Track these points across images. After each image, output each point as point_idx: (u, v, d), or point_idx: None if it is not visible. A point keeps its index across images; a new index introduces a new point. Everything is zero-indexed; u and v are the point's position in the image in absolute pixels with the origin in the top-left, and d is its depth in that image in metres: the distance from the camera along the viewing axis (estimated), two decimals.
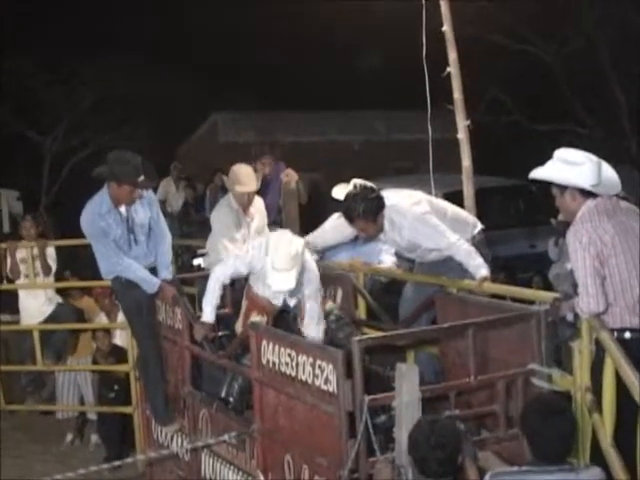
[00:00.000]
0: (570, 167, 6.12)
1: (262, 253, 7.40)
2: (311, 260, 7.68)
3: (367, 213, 7.78)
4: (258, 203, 9.71)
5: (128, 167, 8.14)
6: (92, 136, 30.52)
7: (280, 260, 7.13)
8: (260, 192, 9.82)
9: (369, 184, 8.46)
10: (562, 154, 6.22)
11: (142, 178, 8.25)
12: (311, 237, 9.06)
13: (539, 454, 5.31)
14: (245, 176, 9.48)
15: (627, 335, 5.85)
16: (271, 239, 7.47)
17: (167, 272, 8.64)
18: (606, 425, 5.42)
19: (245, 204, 9.54)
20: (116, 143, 26.71)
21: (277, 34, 31.89)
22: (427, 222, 7.80)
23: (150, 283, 8.36)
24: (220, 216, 9.57)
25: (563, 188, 6.15)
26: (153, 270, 8.52)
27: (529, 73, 29.20)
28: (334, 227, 8.79)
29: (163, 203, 22.69)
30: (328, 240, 8.98)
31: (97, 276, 9.50)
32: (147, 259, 8.55)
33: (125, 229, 8.36)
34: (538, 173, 6.30)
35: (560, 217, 10.21)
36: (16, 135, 31.40)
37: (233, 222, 9.47)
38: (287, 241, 7.36)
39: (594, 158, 6.15)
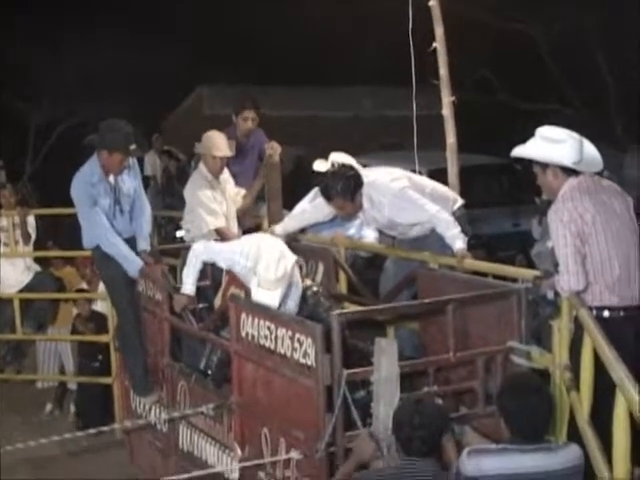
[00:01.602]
0: (551, 145, 6.11)
1: (247, 262, 7.38)
2: (297, 275, 7.63)
3: (345, 191, 7.81)
4: (225, 172, 9.69)
5: (120, 135, 8.21)
6: (76, 107, 30.44)
7: (268, 280, 7.12)
8: (234, 158, 9.78)
9: (347, 162, 8.47)
10: (543, 132, 6.21)
11: (134, 147, 8.32)
12: (290, 218, 9.06)
13: (516, 433, 5.33)
14: (219, 142, 9.44)
15: (606, 314, 5.87)
16: (263, 253, 7.39)
17: (146, 243, 8.66)
18: (583, 403, 5.42)
19: (218, 170, 9.51)
20: (100, 114, 26.68)
21: (263, 9, 31.81)
22: (406, 197, 7.81)
23: (132, 263, 8.33)
24: (196, 190, 9.51)
25: (544, 166, 6.15)
26: (132, 240, 8.50)
27: (516, 52, 29.22)
28: (313, 206, 8.78)
29: (152, 178, 22.83)
30: (307, 219, 8.97)
31: (78, 246, 9.50)
32: (129, 230, 8.54)
33: (112, 199, 8.38)
34: (520, 151, 6.30)
35: (544, 196, 10.25)
36: (0, 105, 31.30)
37: (210, 195, 9.43)
38: (277, 259, 7.31)
39: (575, 135, 6.15)
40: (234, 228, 9.62)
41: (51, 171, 24.92)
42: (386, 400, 5.77)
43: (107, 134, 8.18)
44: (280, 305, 7.22)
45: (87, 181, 8.27)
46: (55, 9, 30.04)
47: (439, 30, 10.36)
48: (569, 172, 6.08)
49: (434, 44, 10.34)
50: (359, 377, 5.97)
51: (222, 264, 7.68)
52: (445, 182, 9.76)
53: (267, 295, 7.07)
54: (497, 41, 28.07)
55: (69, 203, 8.62)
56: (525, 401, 5.31)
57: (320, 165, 8.86)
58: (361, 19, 29.72)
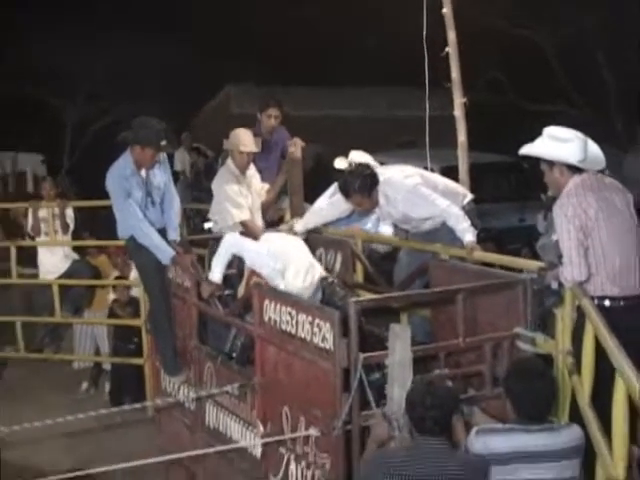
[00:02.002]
0: (558, 144, 6.13)
1: (276, 264, 7.38)
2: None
3: (362, 188, 7.86)
4: (252, 168, 9.71)
5: (152, 132, 8.19)
6: (110, 105, 30.49)
7: (295, 287, 7.21)
8: (258, 154, 9.77)
9: (364, 161, 8.49)
10: (551, 131, 6.23)
11: (164, 143, 8.30)
12: (310, 213, 9.06)
13: (522, 414, 5.37)
14: (245, 138, 9.45)
15: (607, 303, 5.89)
16: (293, 259, 7.47)
17: (175, 234, 8.66)
18: (584, 386, 5.43)
19: (244, 165, 9.53)
20: (132, 112, 26.71)
21: (287, 15, 31.81)
22: (419, 193, 7.84)
23: (164, 252, 8.32)
24: (223, 184, 9.53)
25: (551, 164, 6.18)
26: (163, 231, 8.52)
27: (524, 55, 29.21)
28: (331, 203, 8.79)
29: (182, 173, 22.91)
30: (327, 216, 8.97)
31: (112, 236, 9.54)
32: (160, 221, 8.56)
33: (144, 192, 8.38)
34: (528, 149, 6.32)
35: (549, 193, 10.21)
36: (39, 103, 31.40)
37: (236, 189, 9.45)
38: (307, 268, 7.40)
39: (580, 135, 6.17)
40: (258, 221, 9.64)
41: (87, 165, 24.95)
42: (399, 382, 5.77)
43: (140, 130, 8.19)
44: None
45: (121, 175, 8.27)
46: (89, 9, 30.05)
47: (452, 35, 10.36)
48: (574, 170, 6.09)
49: (447, 49, 10.34)
50: (374, 360, 5.99)
51: (247, 262, 7.69)
52: (456, 179, 9.77)
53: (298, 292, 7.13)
54: (506, 45, 28.08)
55: (105, 196, 8.64)
56: (530, 384, 5.36)
57: (340, 162, 8.90)
58: (378, 24, 29.73)
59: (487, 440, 5.34)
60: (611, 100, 28.53)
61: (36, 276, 12.94)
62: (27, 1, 30.20)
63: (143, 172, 8.34)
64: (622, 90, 28.25)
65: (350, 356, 5.85)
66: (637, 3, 26.10)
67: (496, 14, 26.60)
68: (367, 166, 8.09)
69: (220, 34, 33.26)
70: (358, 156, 9.23)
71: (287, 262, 7.34)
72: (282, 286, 7.22)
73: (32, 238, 12.86)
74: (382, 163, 8.77)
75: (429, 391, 5.37)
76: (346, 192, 7.99)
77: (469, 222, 7.67)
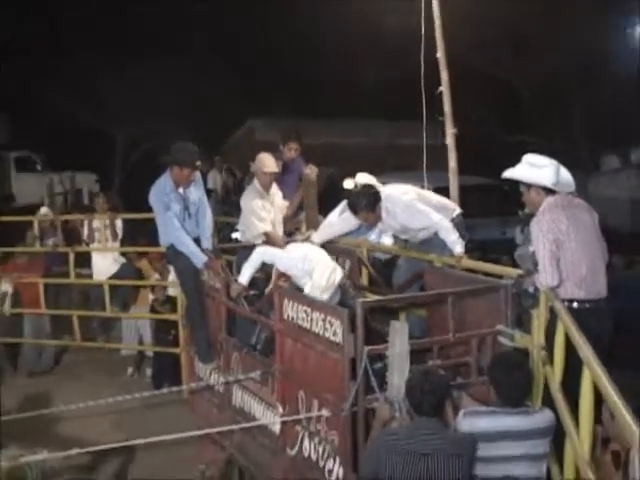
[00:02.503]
0: (535, 169, 6.19)
1: (305, 265, 7.40)
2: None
3: (368, 206, 7.84)
4: (275, 188, 9.70)
5: (188, 154, 8.26)
6: (153, 134, 30.59)
7: (320, 285, 7.22)
8: (280, 176, 9.79)
9: (369, 182, 8.52)
10: (529, 158, 6.27)
11: (199, 163, 8.41)
12: (324, 227, 9.04)
13: (503, 399, 5.40)
14: (269, 161, 9.48)
15: (575, 305, 5.93)
16: (320, 262, 7.50)
17: (207, 242, 8.66)
18: (555, 375, 5.46)
19: (268, 184, 9.52)
20: (171, 139, 26.86)
21: (303, 58, 31.95)
22: (415, 207, 7.85)
23: (198, 258, 8.33)
24: (249, 200, 9.53)
25: (529, 186, 6.23)
26: (197, 240, 8.54)
27: (505, 95, 29.46)
28: (342, 220, 8.75)
29: (215, 191, 22.96)
30: (338, 230, 8.94)
31: (153, 243, 9.59)
32: (195, 231, 8.58)
33: (182, 206, 8.41)
34: (509, 173, 6.35)
35: (526, 210, 10.16)
36: (93, 131, 31.53)
37: (260, 204, 9.46)
38: (331, 270, 7.43)
39: (554, 162, 6.24)
40: (280, 232, 9.64)
41: (134, 183, 25.07)
42: (399, 371, 5.78)
43: (178, 153, 8.24)
44: None
45: (161, 191, 8.30)
46: (134, 44, 30.11)
47: (444, 76, 10.37)
48: (548, 191, 6.14)
49: (440, 87, 10.36)
50: (377, 352, 5.99)
51: (279, 266, 7.69)
52: (447, 197, 9.76)
53: (318, 295, 7.14)
54: (490, 86, 28.29)
55: (148, 209, 8.67)
56: (510, 373, 5.40)
57: (349, 183, 8.90)
58: (382, 66, 29.93)
59: (473, 421, 5.36)
60: (577, 132, 28.68)
61: (90, 277, 13.01)
62: (87, 43, 30.25)
63: (181, 189, 8.37)
64: (586, 124, 28.44)
65: (357, 348, 5.88)
66: (599, 51, 26.25)
67: (482, 60, 26.83)
68: (371, 186, 8.09)
69: (247, 73, 33.40)
70: (364, 178, 9.25)
71: (315, 264, 7.36)
72: (308, 285, 7.25)
73: (87, 245, 12.94)
74: (384, 183, 8.77)
75: (426, 379, 5.39)
76: (354, 209, 7.98)
77: (457, 234, 7.69)
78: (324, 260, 7.54)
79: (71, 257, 12.71)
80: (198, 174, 8.64)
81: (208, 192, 19.21)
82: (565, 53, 27.21)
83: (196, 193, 8.59)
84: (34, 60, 29.72)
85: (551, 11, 25.78)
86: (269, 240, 9.27)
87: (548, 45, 27.36)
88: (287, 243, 8.97)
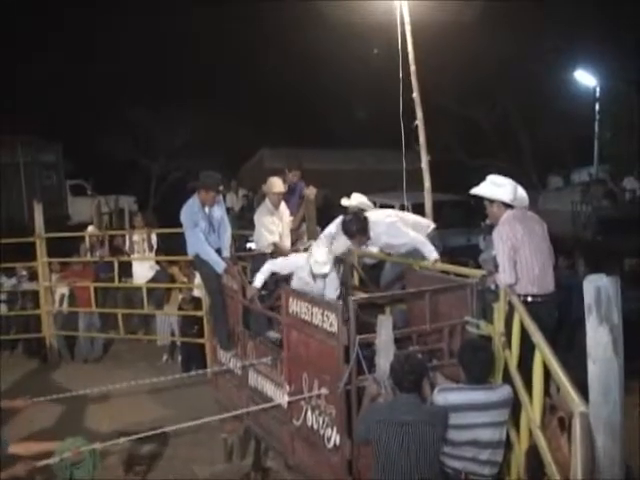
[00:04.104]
0: (497, 187, 6.19)
1: (306, 260, 7.39)
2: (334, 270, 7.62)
3: (360, 230, 7.74)
4: (283, 206, 9.72)
5: (213, 180, 8.32)
6: (182, 162, 30.88)
7: (320, 255, 7.18)
8: (286, 194, 9.84)
9: (362, 201, 8.55)
10: (492, 178, 6.28)
11: (221, 187, 8.51)
12: (323, 239, 8.86)
13: (470, 377, 5.41)
14: (277, 184, 9.53)
15: (529, 299, 5.92)
16: (318, 245, 7.63)
17: (227, 252, 8.65)
18: (513, 357, 5.44)
19: (277, 203, 9.54)
20: (198, 167, 27.13)
21: (303, 98, 32.12)
22: (395, 227, 7.80)
23: (219, 265, 8.36)
24: (261, 216, 9.57)
25: (492, 201, 6.20)
26: (219, 250, 8.55)
27: (468, 127, 29.72)
28: (338, 241, 8.43)
29: (231, 209, 23.06)
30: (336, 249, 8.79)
31: (182, 253, 9.62)
32: (217, 243, 8.59)
33: (208, 223, 8.43)
34: (476, 190, 6.32)
35: (487, 221, 10.16)
36: (133, 162, 31.88)
37: (270, 219, 9.48)
38: (328, 249, 7.45)
39: (512, 182, 6.23)
40: (286, 242, 9.65)
41: (166, 204, 25.20)
42: (385, 356, 5.78)
43: (205, 179, 8.28)
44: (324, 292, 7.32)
45: (191, 210, 8.34)
46: (170, 92, 30.37)
47: (419, 112, 10.42)
48: (507, 206, 6.14)
49: (416, 122, 10.40)
50: (366, 340, 5.98)
51: (285, 271, 7.71)
52: (423, 212, 9.79)
53: (320, 266, 7.14)
54: (456, 121, 28.49)
55: (178, 225, 8.69)
56: (476, 356, 5.42)
57: (345, 201, 8.97)
58: (368, 103, 30.13)
59: (446, 395, 5.36)
60: (528, 158, 29.05)
61: (131, 282, 12.98)
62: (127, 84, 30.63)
63: (207, 209, 8.39)
64: (535, 151, 28.74)
65: (349, 337, 5.88)
66: (545, 92, 26.41)
67: (449, 99, 27.04)
68: (361, 213, 8.08)
69: (257, 112, 33.56)
70: (357, 197, 9.27)
71: (313, 247, 7.50)
72: (312, 261, 7.22)
73: (128, 255, 12.93)
74: (373, 201, 8.82)
75: (407, 361, 5.39)
76: (351, 233, 7.84)
77: (432, 245, 7.68)
78: (315, 247, 7.53)
79: (116, 265, 12.71)
80: (220, 197, 8.66)
81: (227, 210, 19.24)
82: (517, 93, 27.46)
83: (219, 212, 8.59)
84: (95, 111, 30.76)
85: (504, 59, 25.96)
86: (276, 249, 9.29)
87: (502, 87, 27.61)
88: (292, 251, 9.01)
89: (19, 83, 30.59)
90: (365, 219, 7.85)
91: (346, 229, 7.88)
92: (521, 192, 6.35)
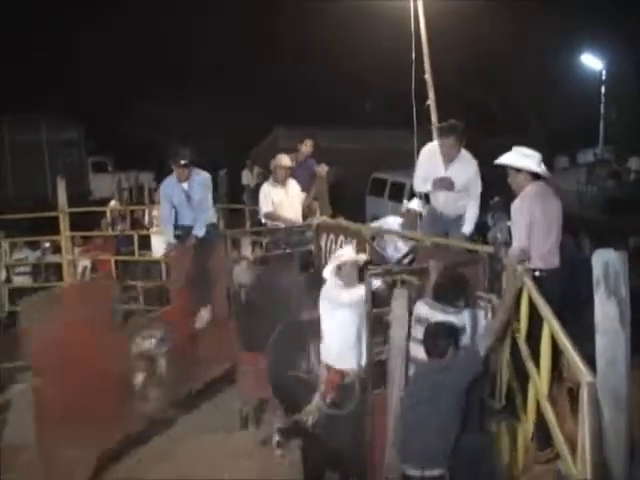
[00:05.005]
0: (525, 157, 6.09)
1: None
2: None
3: (461, 134, 7.44)
4: (293, 182, 9.80)
5: (178, 156, 8.74)
6: (196, 143, 31.14)
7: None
8: (296, 170, 9.95)
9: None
10: (519, 149, 6.18)
11: (183, 162, 8.67)
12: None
13: None
14: (284, 159, 9.69)
15: (537, 273, 5.88)
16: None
17: (199, 230, 8.81)
18: (522, 327, 5.43)
19: (283, 177, 9.62)
20: (214, 147, 27.44)
21: (320, 80, 32.09)
22: (478, 173, 7.58)
23: (167, 236, 8.99)
24: (264, 188, 9.82)
25: (519, 171, 6.09)
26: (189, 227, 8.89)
27: (479, 109, 29.67)
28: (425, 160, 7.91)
29: (247, 186, 23.19)
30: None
31: None
32: (190, 219, 8.87)
33: (184, 197, 8.75)
34: (504, 160, 6.19)
35: (496, 199, 10.11)
36: (150, 142, 32.06)
37: (274, 191, 9.62)
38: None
39: (538, 154, 6.15)
40: (295, 215, 9.73)
41: None
42: (398, 327, 5.84)
43: (173, 155, 8.77)
44: None
45: (166, 184, 8.90)
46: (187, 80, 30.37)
47: (431, 93, 10.38)
48: (534, 177, 6.06)
49: (428, 102, 10.36)
50: (380, 315, 6.07)
51: None
52: None
53: None
54: (468, 101, 28.43)
55: None
56: None
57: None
58: (383, 85, 30.09)
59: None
60: (535, 139, 29.11)
61: (150, 255, 13.03)
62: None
63: (185, 185, 8.72)
64: (543, 133, 28.60)
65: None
66: (554, 75, 26.24)
67: (459, 80, 26.91)
68: (461, 124, 7.58)
69: (273, 93, 33.53)
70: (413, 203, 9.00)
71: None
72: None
73: (148, 229, 12.96)
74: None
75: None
76: (452, 130, 7.45)
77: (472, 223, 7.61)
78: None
79: (135, 239, 12.76)
80: (203, 178, 8.87)
81: (242, 186, 19.25)
82: (525, 76, 27.30)
83: (199, 193, 8.80)
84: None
85: (516, 42, 25.83)
86: (270, 218, 9.54)
87: (511, 70, 27.47)
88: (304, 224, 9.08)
89: (41, 62, 30.61)
90: (465, 131, 7.54)
91: (451, 126, 7.54)
92: (542, 165, 6.28)
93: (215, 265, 8.84)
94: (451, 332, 5.45)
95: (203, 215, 8.83)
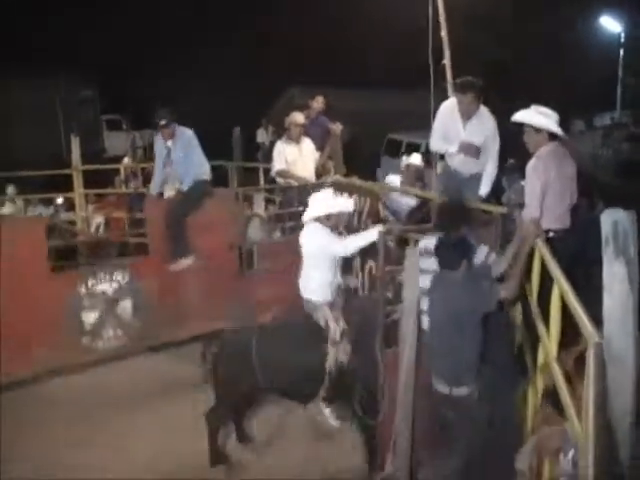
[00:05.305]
0: (544, 117, 5.99)
1: None
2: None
3: (479, 90, 7.29)
4: (307, 140, 9.86)
5: (155, 116, 8.88)
6: (210, 103, 30.96)
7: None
8: (309, 127, 10.01)
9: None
10: (537, 108, 6.07)
11: (162, 122, 8.76)
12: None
13: None
14: (298, 116, 9.77)
15: (550, 234, 5.85)
16: None
17: (185, 185, 8.87)
18: (533, 286, 5.42)
19: (297, 135, 9.71)
20: (229, 105, 27.36)
21: (336, 40, 31.87)
22: (497, 133, 7.44)
23: (151, 188, 9.24)
24: (277, 145, 9.88)
25: (537, 130, 5.99)
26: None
27: (495, 67, 29.47)
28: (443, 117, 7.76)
29: (262, 144, 23.22)
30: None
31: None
32: (177, 175, 8.97)
33: (166, 154, 8.88)
34: (523, 117, 6.08)
35: (511, 161, 10.03)
36: (165, 101, 31.91)
37: (283, 148, 9.70)
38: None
39: (555, 114, 6.06)
40: (305, 173, 9.76)
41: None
42: (410, 286, 5.85)
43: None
44: None
45: (156, 142, 9.13)
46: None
47: (447, 52, 10.26)
48: (551, 137, 5.98)
49: (443, 61, 10.26)
50: (393, 273, 6.13)
51: None
52: None
53: None
54: (484, 59, 28.16)
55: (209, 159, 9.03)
56: None
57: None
58: (397, 44, 29.81)
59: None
60: (551, 102, 28.84)
61: None
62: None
63: (169, 143, 8.85)
64: (559, 94, 28.45)
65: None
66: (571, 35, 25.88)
67: (476, 39, 26.62)
68: (478, 80, 7.43)
69: (290, 52, 33.36)
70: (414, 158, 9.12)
71: None
72: None
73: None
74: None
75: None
76: (470, 86, 7.30)
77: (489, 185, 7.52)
78: None
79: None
80: (187, 139, 8.91)
81: (257, 145, 19.29)
82: (546, 38, 26.96)
83: (181, 150, 8.85)
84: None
85: (533, 4, 25.54)
86: (282, 175, 9.61)
87: (529, 30, 27.11)
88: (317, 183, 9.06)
89: (55, 21, 30.49)
90: (483, 90, 7.41)
91: (468, 81, 7.40)
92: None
93: (212, 220, 8.73)
94: (465, 245, 5.50)
95: (186, 171, 8.88)
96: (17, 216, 12.20)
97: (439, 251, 5.47)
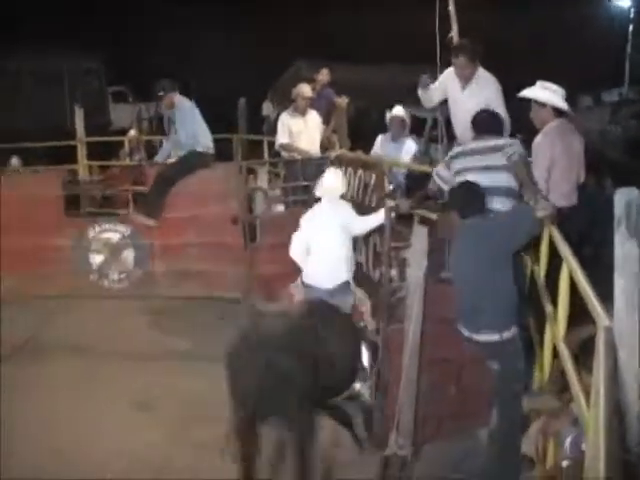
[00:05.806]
0: (551, 92, 5.93)
1: None
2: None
3: (472, 53, 7.16)
4: (313, 113, 9.83)
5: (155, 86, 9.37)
6: (218, 78, 30.87)
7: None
8: (314, 100, 9.98)
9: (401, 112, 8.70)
10: (544, 83, 6.02)
11: (161, 93, 9.35)
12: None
13: None
14: (305, 89, 9.75)
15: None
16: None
17: (181, 152, 9.34)
18: (542, 263, 5.32)
19: (304, 108, 9.65)
20: (235, 77, 27.26)
21: (342, 13, 31.75)
22: (501, 96, 7.15)
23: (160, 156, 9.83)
24: (282, 117, 9.79)
25: (543, 105, 5.93)
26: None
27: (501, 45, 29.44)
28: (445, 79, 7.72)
29: (267, 117, 23.29)
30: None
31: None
32: (178, 143, 9.36)
33: (169, 123, 9.46)
34: (530, 93, 6.00)
35: (518, 136, 9.88)
36: (171, 73, 31.87)
37: (287, 121, 9.65)
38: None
39: (562, 90, 5.99)
40: (310, 146, 9.69)
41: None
42: (415, 262, 5.80)
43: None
44: None
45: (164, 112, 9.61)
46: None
47: (455, 26, 10.11)
48: (557, 113, 5.92)
49: (450, 34, 10.12)
50: (398, 249, 6.15)
51: None
52: None
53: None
54: (488, 34, 28.06)
55: (215, 132, 9.61)
56: None
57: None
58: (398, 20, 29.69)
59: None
60: (559, 77, 28.81)
61: None
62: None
63: (170, 112, 9.37)
64: (566, 70, 28.41)
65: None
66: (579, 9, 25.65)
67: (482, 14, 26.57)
68: (478, 44, 7.36)
69: (295, 25, 33.26)
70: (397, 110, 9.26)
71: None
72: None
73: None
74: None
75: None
76: (460, 49, 7.31)
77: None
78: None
79: None
80: (185, 109, 9.32)
81: (263, 117, 19.45)
82: (552, 12, 26.73)
83: (179, 120, 9.26)
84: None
85: None
86: (285, 149, 9.58)
87: (537, 4, 26.91)
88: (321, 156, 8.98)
89: None
90: (480, 52, 7.30)
91: (462, 47, 7.41)
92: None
93: (215, 193, 9.17)
94: (481, 191, 5.50)
95: (184, 140, 9.20)
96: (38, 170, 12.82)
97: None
